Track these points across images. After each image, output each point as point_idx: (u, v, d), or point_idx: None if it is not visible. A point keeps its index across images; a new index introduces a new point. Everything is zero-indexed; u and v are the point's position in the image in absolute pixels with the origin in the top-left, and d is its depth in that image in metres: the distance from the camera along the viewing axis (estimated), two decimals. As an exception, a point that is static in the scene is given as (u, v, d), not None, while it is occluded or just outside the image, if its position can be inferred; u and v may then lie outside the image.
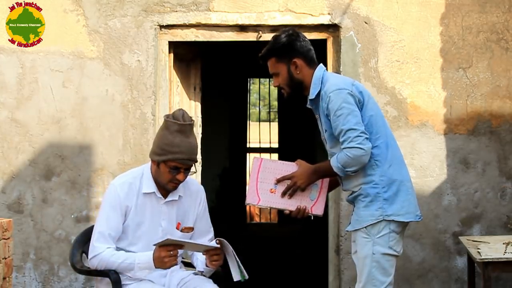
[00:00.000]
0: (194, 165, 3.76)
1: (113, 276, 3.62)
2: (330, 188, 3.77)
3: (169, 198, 3.78)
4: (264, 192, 3.66)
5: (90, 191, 5.52)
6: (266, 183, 3.67)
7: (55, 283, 5.53)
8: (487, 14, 5.47)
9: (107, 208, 3.73)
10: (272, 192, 3.66)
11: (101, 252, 3.67)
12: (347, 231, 3.74)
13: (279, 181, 3.65)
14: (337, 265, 5.54)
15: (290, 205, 3.66)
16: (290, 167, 3.67)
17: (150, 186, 3.76)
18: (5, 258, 4.44)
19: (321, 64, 3.72)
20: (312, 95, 3.64)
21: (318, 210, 3.67)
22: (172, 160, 3.65)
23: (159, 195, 3.76)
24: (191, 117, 3.74)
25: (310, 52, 3.68)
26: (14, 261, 5.12)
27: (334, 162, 3.55)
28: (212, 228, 3.96)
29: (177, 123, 3.66)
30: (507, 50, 5.46)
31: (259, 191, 3.67)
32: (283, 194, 3.65)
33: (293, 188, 3.63)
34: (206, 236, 3.89)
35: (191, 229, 3.78)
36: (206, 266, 3.76)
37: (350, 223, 3.68)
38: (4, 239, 4.43)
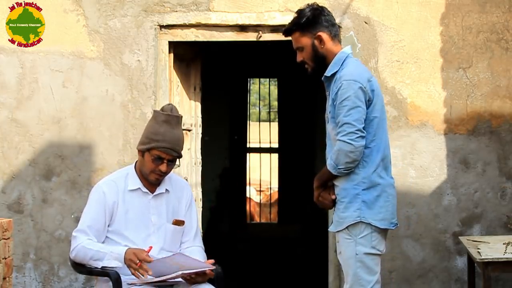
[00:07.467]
0: (178, 160, 3.81)
1: (114, 275, 3.60)
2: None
3: (156, 192, 3.81)
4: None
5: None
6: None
7: (55, 283, 5.53)
8: (487, 14, 5.47)
9: (89, 204, 3.81)
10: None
11: (80, 243, 3.69)
12: (330, 231, 3.74)
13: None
14: (337, 265, 5.53)
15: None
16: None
17: (135, 183, 3.80)
18: (5, 258, 4.44)
19: (348, 48, 3.68)
20: (328, 72, 3.62)
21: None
22: (156, 148, 3.70)
23: (145, 190, 3.80)
24: (179, 113, 3.81)
25: (334, 27, 3.67)
26: (14, 261, 5.11)
27: (329, 160, 3.57)
28: (196, 224, 3.96)
29: (164, 114, 3.74)
30: (507, 50, 5.46)
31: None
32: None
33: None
34: (190, 232, 3.89)
35: (182, 222, 3.80)
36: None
37: (332, 223, 3.68)
38: (4, 239, 4.43)
